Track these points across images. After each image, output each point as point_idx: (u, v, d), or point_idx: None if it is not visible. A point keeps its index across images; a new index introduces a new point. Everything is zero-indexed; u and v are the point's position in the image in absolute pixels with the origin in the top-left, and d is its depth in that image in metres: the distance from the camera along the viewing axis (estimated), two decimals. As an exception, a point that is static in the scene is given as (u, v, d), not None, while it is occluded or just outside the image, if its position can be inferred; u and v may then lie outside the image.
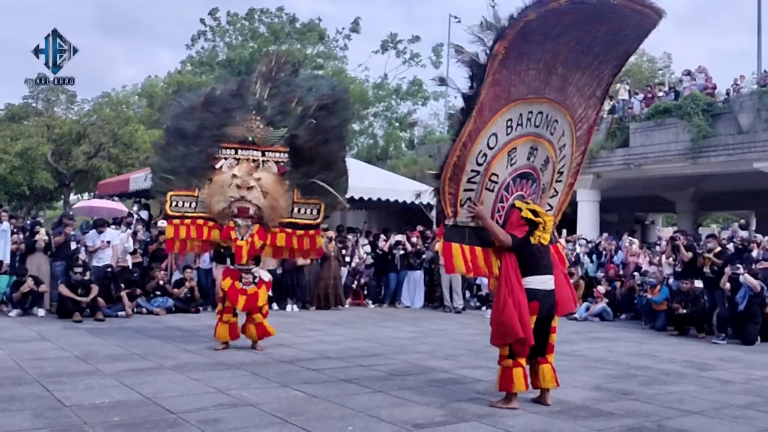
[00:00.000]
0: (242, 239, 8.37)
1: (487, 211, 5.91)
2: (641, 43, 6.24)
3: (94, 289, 11.16)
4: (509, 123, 5.81)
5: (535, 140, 6.08)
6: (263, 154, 8.60)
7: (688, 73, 21.06)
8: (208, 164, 8.61)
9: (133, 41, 75.50)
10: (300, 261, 9.64)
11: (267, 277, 8.66)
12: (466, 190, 5.79)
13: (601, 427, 5.33)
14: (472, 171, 5.73)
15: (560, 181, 6.57)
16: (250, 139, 8.57)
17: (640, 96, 21.54)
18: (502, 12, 5.35)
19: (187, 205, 8.67)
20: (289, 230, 8.52)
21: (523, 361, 5.79)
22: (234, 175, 8.38)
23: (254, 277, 8.44)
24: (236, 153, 8.58)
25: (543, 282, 5.86)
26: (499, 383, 5.87)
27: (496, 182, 5.90)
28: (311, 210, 8.52)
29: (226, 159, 8.57)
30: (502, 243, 5.81)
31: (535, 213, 5.86)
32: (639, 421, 5.54)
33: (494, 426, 5.25)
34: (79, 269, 11.29)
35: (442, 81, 6.30)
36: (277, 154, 8.59)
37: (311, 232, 8.62)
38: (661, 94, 21.33)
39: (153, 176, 8.99)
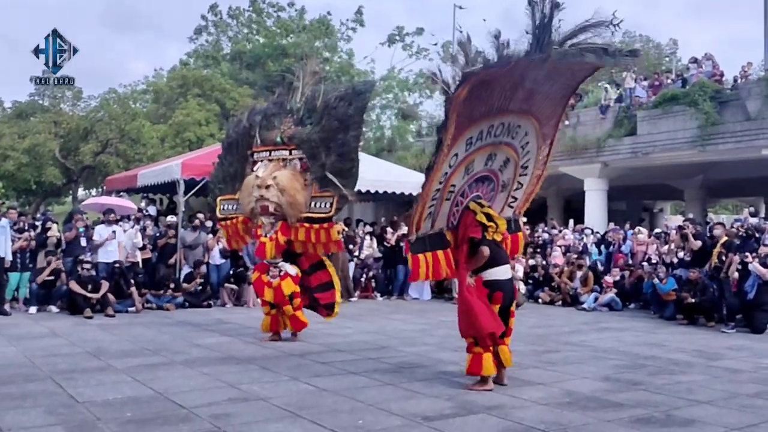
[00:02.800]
0: (266, 236, 8.67)
1: (443, 216, 6.34)
2: None
3: (104, 285, 11.23)
4: (469, 141, 6.13)
5: (494, 147, 6.40)
6: (290, 153, 8.81)
7: (695, 60, 20.80)
8: (247, 169, 9.11)
9: (142, 35, 75.61)
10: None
11: (292, 271, 8.81)
12: (429, 206, 6.15)
13: (610, 418, 5.35)
14: (435, 190, 6.10)
15: (525, 174, 6.96)
16: (279, 140, 8.83)
17: (646, 83, 21.37)
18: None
19: (230, 207, 9.40)
20: (307, 225, 8.61)
21: (491, 347, 6.16)
22: (256, 176, 8.67)
23: (280, 271, 8.71)
24: (270, 155, 8.94)
25: (504, 272, 6.32)
26: (468, 368, 6.25)
27: (453, 191, 6.31)
28: (324, 203, 8.59)
29: (261, 161, 8.95)
30: (485, 258, 6.13)
31: (488, 217, 6.24)
32: (648, 411, 5.56)
33: (503, 418, 5.28)
34: (88, 265, 11.36)
35: (434, 79, 6.23)
36: (300, 151, 8.75)
37: (325, 225, 8.70)
38: (668, 81, 21.17)
39: (210, 184, 9.98)
